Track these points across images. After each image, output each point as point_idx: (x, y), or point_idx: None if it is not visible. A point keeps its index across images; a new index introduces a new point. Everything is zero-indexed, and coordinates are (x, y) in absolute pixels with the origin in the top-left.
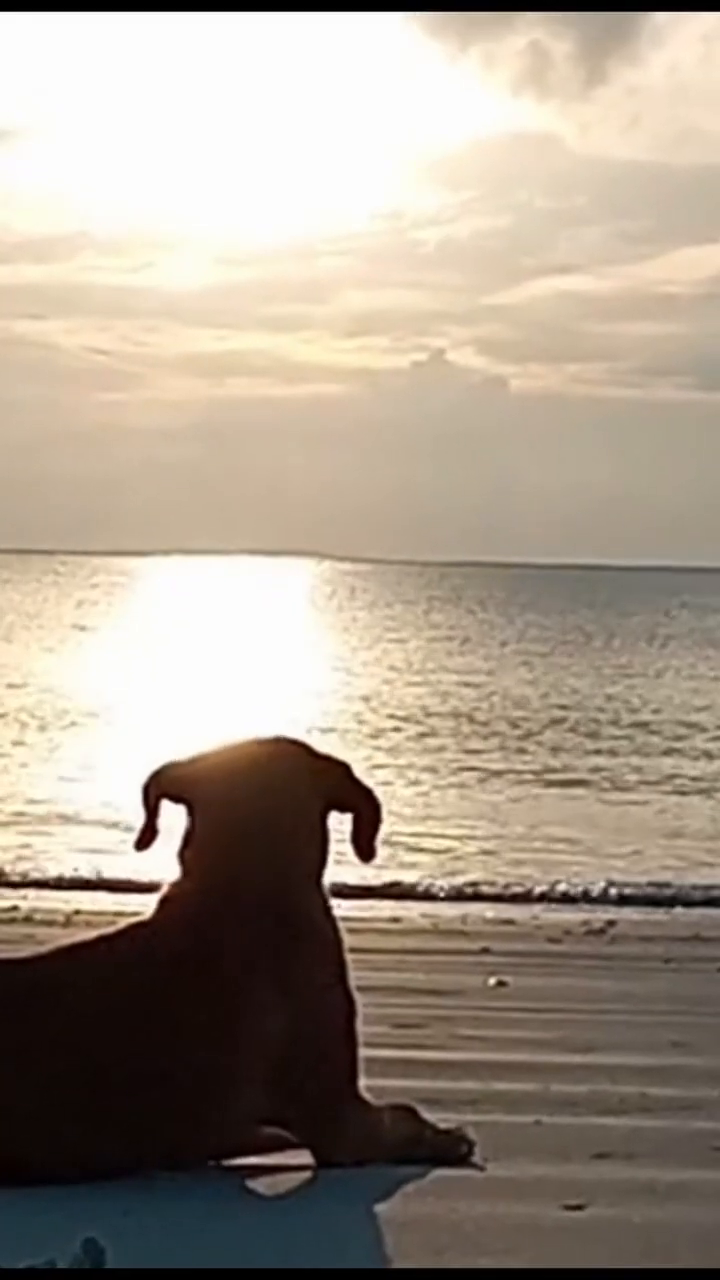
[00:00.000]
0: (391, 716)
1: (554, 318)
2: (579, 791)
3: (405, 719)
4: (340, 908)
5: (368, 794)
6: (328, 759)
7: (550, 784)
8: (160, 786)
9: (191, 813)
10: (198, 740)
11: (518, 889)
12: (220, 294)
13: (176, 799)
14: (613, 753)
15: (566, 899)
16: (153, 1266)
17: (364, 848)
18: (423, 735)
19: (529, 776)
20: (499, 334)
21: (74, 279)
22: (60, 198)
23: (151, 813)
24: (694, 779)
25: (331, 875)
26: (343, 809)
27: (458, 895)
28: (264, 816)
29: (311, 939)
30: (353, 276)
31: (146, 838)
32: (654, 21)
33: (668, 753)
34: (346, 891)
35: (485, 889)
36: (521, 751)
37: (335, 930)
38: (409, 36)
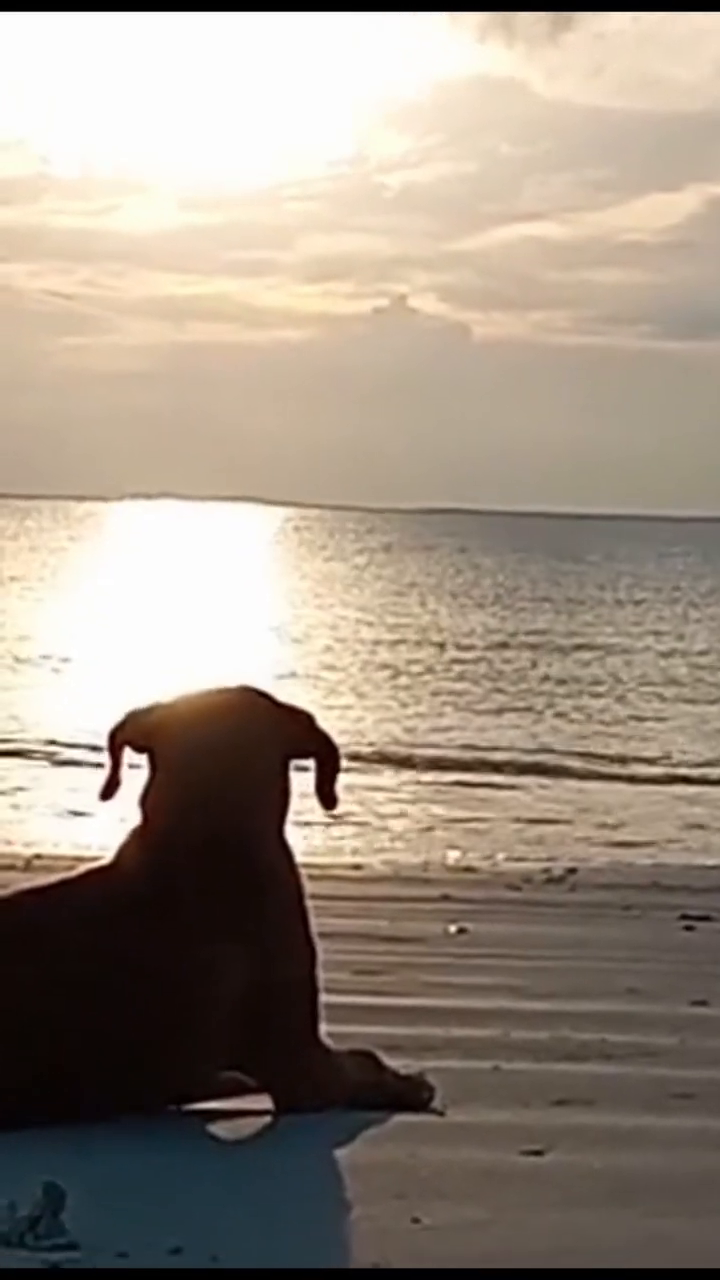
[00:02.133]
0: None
1: (517, 265)
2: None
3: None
4: (301, 855)
5: (328, 741)
6: (289, 708)
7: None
8: (124, 735)
9: (153, 761)
10: (154, 686)
11: None
12: (184, 238)
13: (139, 748)
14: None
15: None
16: (112, 1210)
17: (326, 794)
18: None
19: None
20: (462, 281)
21: (37, 221)
22: (23, 141)
23: (115, 762)
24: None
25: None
26: (304, 757)
27: None
28: (225, 764)
29: (272, 886)
30: (317, 221)
31: (111, 787)
32: None
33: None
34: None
35: None
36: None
37: (296, 877)
38: None
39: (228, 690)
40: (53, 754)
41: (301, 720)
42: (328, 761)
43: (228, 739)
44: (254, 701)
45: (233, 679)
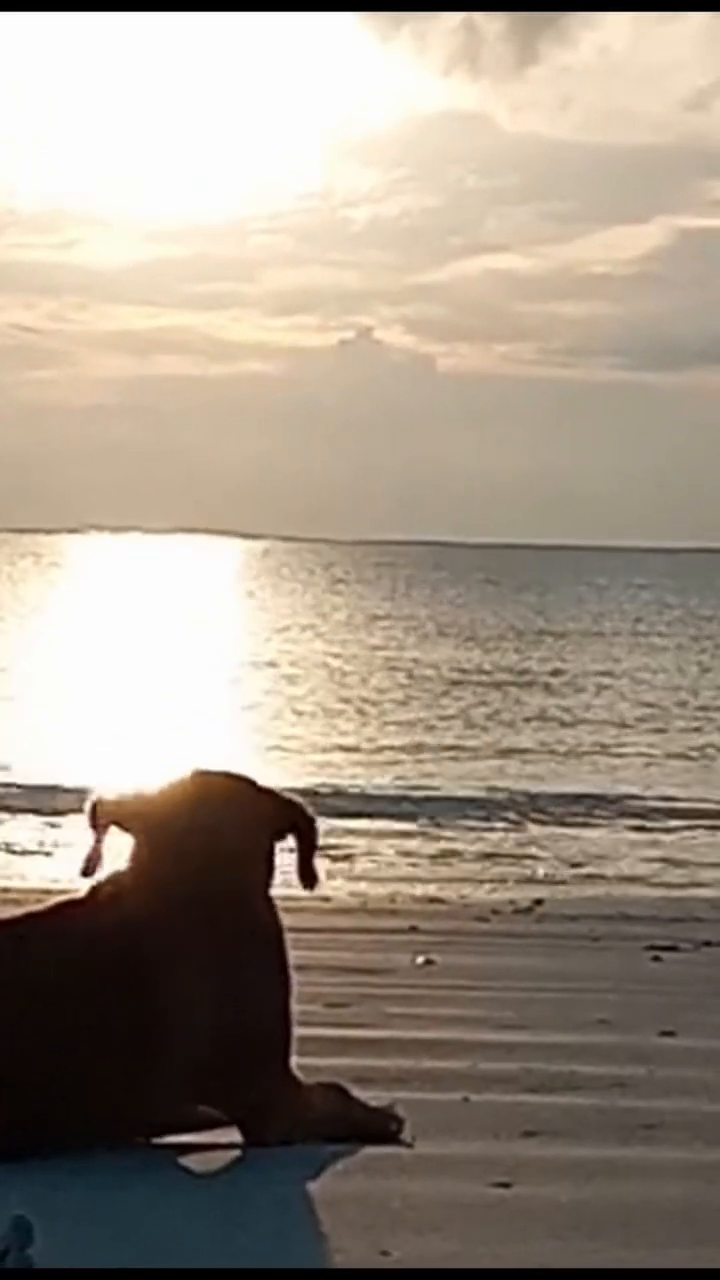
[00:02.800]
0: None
1: (483, 297)
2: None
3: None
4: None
5: (309, 823)
6: (270, 793)
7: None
8: (109, 814)
9: (143, 839)
10: (104, 721)
11: None
12: (149, 271)
13: (125, 828)
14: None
15: None
16: (81, 1244)
17: (307, 874)
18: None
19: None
20: (427, 313)
21: (0, 257)
22: None
23: (99, 839)
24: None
25: None
26: (284, 837)
27: None
28: (218, 838)
29: (247, 924)
30: (282, 255)
31: (92, 864)
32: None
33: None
34: None
35: None
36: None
37: (278, 928)
38: (340, 14)
39: (215, 775)
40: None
41: (283, 804)
42: (307, 842)
43: (220, 820)
44: (240, 788)
45: (217, 764)
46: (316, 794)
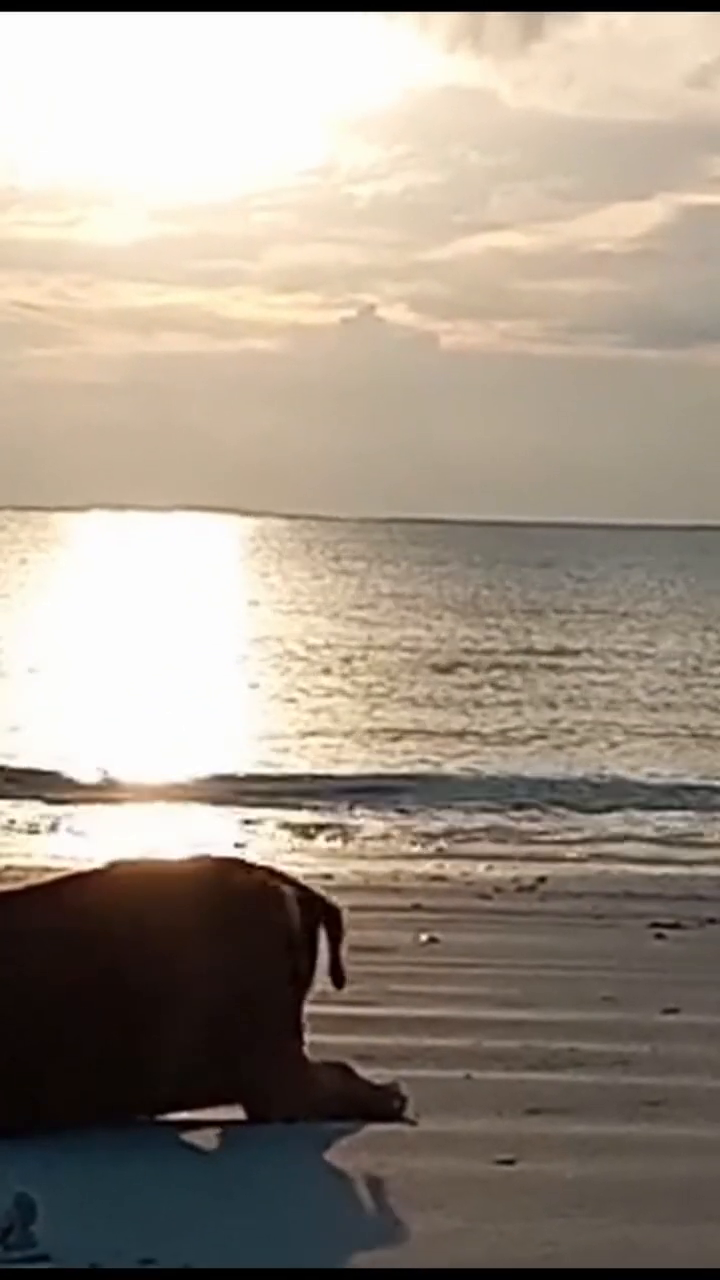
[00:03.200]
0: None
1: (486, 274)
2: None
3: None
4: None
5: (335, 915)
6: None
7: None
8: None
9: None
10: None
11: None
12: (152, 249)
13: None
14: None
15: None
16: (83, 1221)
17: (337, 973)
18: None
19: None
20: (431, 291)
21: (3, 234)
22: None
23: None
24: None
25: None
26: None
27: None
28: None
29: (252, 908)
30: (285, 232)
31: None
32: None
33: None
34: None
35: None
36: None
37: (278, 902)
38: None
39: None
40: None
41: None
42: (336, 938)
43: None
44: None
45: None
46: (314, 778)
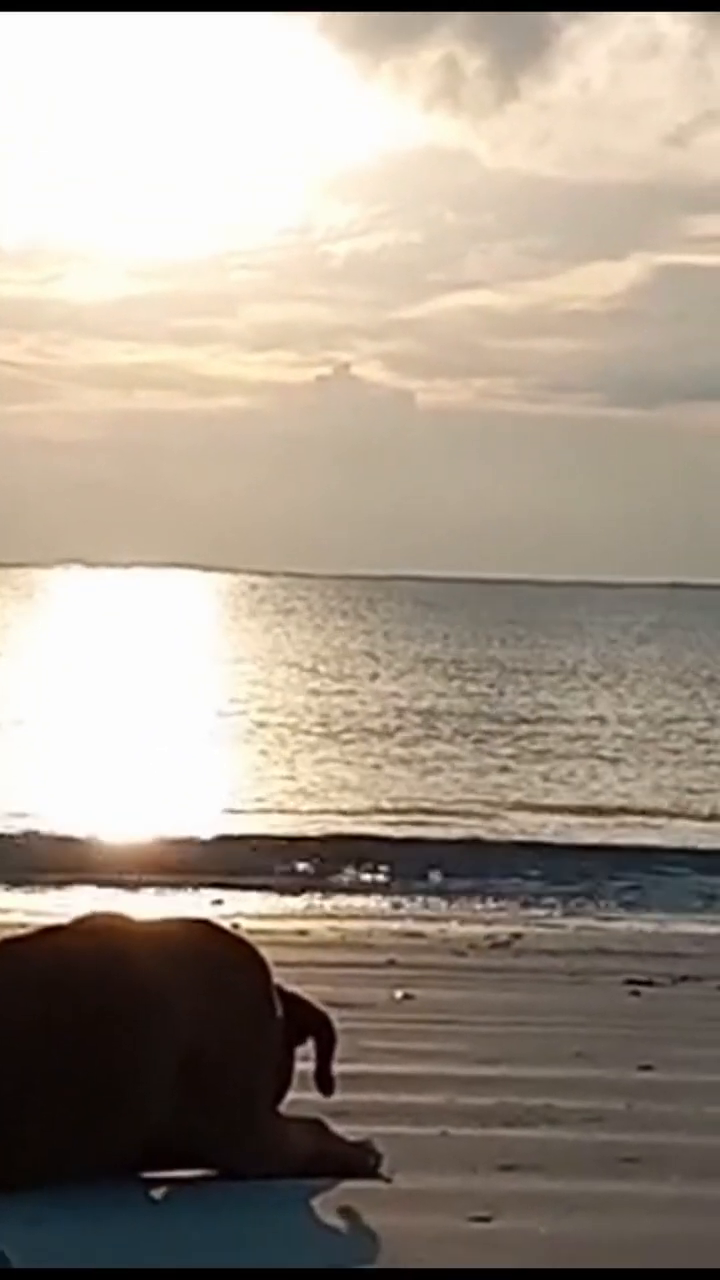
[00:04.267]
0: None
1: (462, 333)
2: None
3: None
4: (246, 921)
5: (328, 1029)
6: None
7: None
8: None
9: None
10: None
11: None
12: (130, 306)
13: None
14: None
15: None
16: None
17: (324, 1079)
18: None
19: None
20: (406, 349)
21: None
22: None
23: None
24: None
25: None
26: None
27: None
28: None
29: (234, 964)
30: (262, 290)
31: None
32: (567, 37)
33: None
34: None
35: None
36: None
37: (262, 965)
38: (321, 50)
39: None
40: None
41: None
42: (327, 1048)
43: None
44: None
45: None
46: (306, 839)
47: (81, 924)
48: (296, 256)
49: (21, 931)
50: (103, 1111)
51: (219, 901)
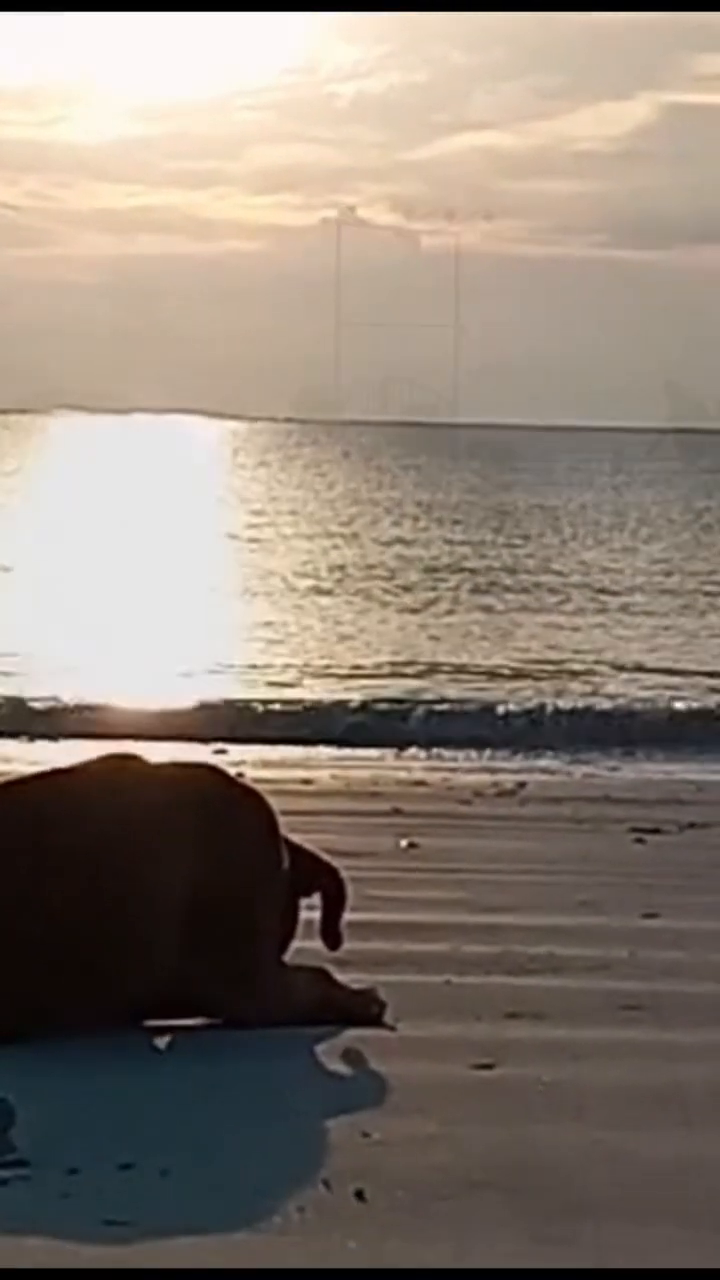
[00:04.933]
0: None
1: (468, 175)
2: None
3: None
4: (248, 769)
5: (338, 883)
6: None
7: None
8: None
9: None
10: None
11: None
12: (132, 149)
13: None
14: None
15: None
16: (62, 1127)
17: (331, 934)
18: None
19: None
20: (412, 191)
21: None
22: None
23: None
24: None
25: None
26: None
27: None
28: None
29: (241, 811)
30: (266, 132)
31: None
32: None
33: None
34: None
35: None
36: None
37: (269, 813)
38: None
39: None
40: None
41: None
42: (335, 904)
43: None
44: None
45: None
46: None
47: (91, 764)
48: (301, 97)
49: (19, 775)
50: (102, 952)
51: (222, 750)
